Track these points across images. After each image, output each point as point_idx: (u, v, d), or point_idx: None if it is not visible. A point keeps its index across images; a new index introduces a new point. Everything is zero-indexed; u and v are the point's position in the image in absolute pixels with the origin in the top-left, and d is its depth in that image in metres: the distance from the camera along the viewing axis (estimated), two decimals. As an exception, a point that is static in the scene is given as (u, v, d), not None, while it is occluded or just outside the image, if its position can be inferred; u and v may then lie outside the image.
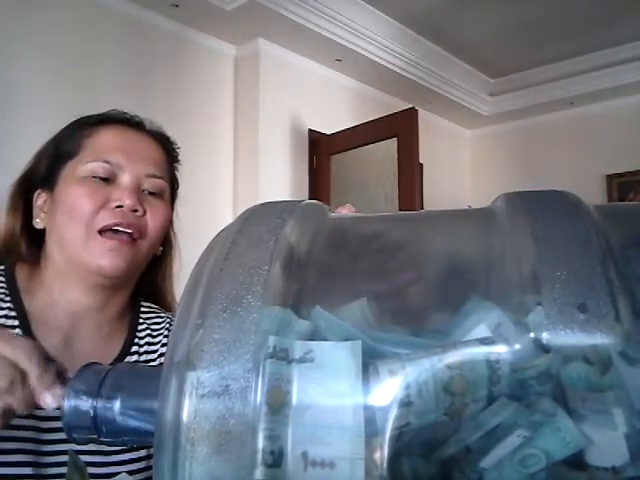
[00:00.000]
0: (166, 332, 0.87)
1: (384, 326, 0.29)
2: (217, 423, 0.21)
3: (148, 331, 0.85)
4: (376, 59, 3.91)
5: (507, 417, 0.23)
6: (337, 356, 0.22)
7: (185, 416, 0.22)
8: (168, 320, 0.88)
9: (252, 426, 0.21)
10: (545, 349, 0.21)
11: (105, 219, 0.74)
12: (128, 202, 0.75)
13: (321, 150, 3.82)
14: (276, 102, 3.59)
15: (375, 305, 0.29)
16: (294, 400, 0.22)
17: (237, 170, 3.59)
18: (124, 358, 0.80)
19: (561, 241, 0.26)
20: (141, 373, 0.35)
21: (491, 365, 0.22)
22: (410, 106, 3.56)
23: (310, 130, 3.79)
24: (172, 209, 0.88)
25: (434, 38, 4.17)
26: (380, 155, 3.66)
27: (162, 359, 0.83)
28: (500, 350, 0.23)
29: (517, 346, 0.22)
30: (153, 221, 0.78)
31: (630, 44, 4.25)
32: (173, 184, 0.88)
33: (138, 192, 0.77)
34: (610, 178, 4.76)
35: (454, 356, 0.22)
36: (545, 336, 0.21)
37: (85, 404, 0.33)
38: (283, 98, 3.64)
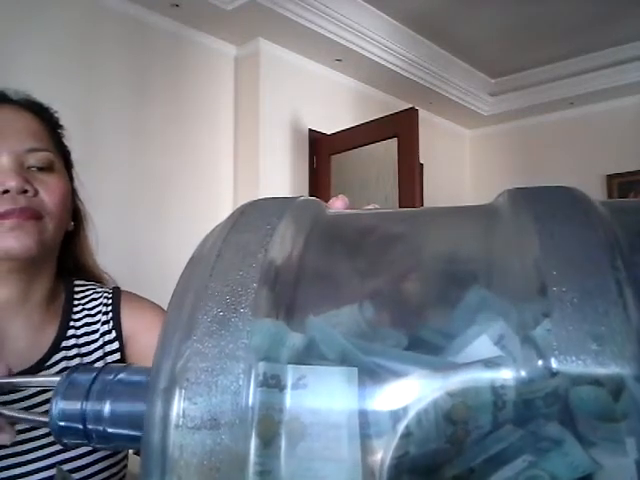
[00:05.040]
0: (104, 308, 0.81)
1: (380, 329, 0.28)
2: (205, 459, 0.20)
3: (85, 312, 0.80)
4: (376, 59, 3.90)
5: (513, 443, 0.22)
6: (332, 382, 0.21)
7: (171, 451, 0.20)
8: (105, 295, 0.83)
9: (242, 461, 0.20)
10: (553, 374, 0.20)
11: None
12: (13, 184, 0.68)
13: (321, 150, 3.81)
14: (276, 102, 3.58)
15: (372, 307, 0.27)
16: (286, 431, 0.21)
17: (237, 170, 3.58)
18: (60, 344, 0.76)
19: (570, 248, 0.25)
20: (132, 374, 0.33)
21: (496, 391, 0.21)
22: (410, 106, 3.55)
23: (310, 130, 3.78)
24: (71, 179, 0.81)
25: (434, 38, 4.16)
26: (380, 155, 3.65)
27: (105, 337, 0.79)
28: (506, 375, 0.21)
29: (523, 372, 0.21)
30: (50, 197, 0.72)
31: (630, 44, 4.24)
32: (64, 152, 0.81)
33: (21, 171, 0.70)
34: (610, 178, 4.76)
35: (456, 382, 0.21)
36: (554, 363, 0.20)
37: (74, 408, 0.32)
38: (283, 98, 3.63)
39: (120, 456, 0.78)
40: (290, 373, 0.21)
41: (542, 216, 0.28)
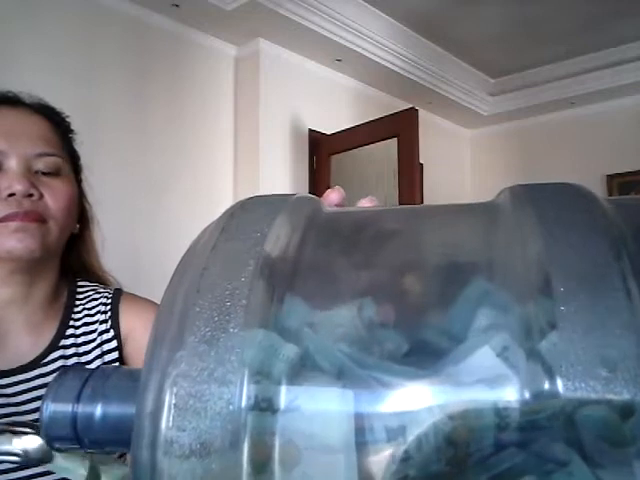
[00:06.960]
0: (103, 308, 0.82)
1: (379, 331, 0.27)
2: (195, 489, 0.19)
3: (85, 311, 0.81)
4: (376, 59, 3.90)
5: (515, 464, 0.21)
6: (326, 404, 0.20)
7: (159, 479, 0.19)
8: (106, 295, 0.84)
9: (234, 489, 0.19)
10: (559, 396, 0.19)
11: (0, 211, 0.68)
12: (19, 187, 0.69)
13: (321, 150, 3.81)
14: (276, 102, 3.57)
15: (370, 306, 0.26)
16: (280, 455, 0.20)
17: (237, 170, 3.57)
18: (58, 343, 0.76)
19: (575, 252, 0.23)
20: (124, 376, 0.32)
21: (499, 412, 0.20)
22: (410, 106, 3.55)
23: (310, 130, 3.77)
24: (80, 182, 0.83)
25: (434, 38, 4.16)
26: (380, 155, 3.65)
27: (103, 336, 0.80)
28: (509, 396, 0.20)
29: (527, 393, 0.20)
30: (54, 202, 0.73)
31: (630, 44, 4.24)
32: (73, 157, 0.82)
33: (29, 175, 0.71)
34: (610, 178, 4.75)
35: (457, 403, 0.20)
36: (561, 389, 0.19)
37: (64, 411, 0.30)
38: (283, 98, 3.62)
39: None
40: (283, 395, 0.21)
41: (545, 215, 0.26)
